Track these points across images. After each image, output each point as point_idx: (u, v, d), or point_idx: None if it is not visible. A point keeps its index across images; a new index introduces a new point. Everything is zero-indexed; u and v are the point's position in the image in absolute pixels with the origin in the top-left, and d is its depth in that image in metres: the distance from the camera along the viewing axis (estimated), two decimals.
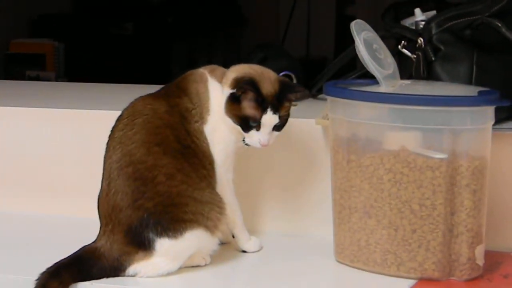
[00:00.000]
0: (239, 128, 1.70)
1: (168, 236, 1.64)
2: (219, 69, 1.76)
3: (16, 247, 1.86)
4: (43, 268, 1.59)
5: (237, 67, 1.75)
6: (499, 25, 1.78)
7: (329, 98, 1.71)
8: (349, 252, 1.69)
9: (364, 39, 1.70)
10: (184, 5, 5.07)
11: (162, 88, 1.76)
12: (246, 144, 1.72)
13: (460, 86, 1.74)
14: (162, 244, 1.64)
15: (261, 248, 1.79)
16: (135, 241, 1.65)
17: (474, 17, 1.82)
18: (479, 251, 1.63)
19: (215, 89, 1.74)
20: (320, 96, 2.02)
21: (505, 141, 1.74)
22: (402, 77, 1.74)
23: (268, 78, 1.70)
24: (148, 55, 4.74)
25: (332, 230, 1.73)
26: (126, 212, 1.65)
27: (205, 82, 1.74)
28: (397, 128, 1.63)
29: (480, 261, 1.64)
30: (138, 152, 1.66)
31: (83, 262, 1.64)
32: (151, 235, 1.64)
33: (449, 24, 1.83)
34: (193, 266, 1.69)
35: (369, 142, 1.65)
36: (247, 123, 1.69)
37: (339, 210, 1.70)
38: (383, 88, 1.68)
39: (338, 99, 1.68)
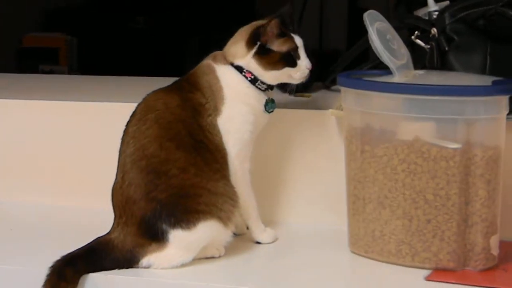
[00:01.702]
0: (285, 70, 1.73)
1: (182, 227, 1.64)
2: (218, 53, 1.78)
3: (29, 238, 1.87)
4: (53, 259, 1.60)
5: (233, 39, 1.78)
6: None
7: (342, 89, 1.71)
8: (364, 243, 1.69)
9: (377, 30, 1.71)
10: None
11: (174, 82, 1.77)
12: (270, 111, 1.75)
13: (474, 76, 1.75)
14: (176, 235, 1.65)
15: (276, 239, 1.80)
16: (149, 233, 1.66)
17: (488, 7, 1.82)
18: (494, 241, 1.64)
19: (225, 74, 1.75)
20: (334, 87, 2.02)
21: None
22: (416, 67, 1.74)
23: (262, 22, 1.75)
24: (160, 48, 4.76)
25: (346, 221, 1.73)
26: (139, 204, 1.66)
27: (213, 72, 1.75)
28: (411, 118, 1.64)
29: (495, 251, 1.64)
30: (151, 147, 1.67)
31: (97, 253, 1.65)
32: (164, 226, 1.65)
33: (462, 14, 1.83)
34: (207, 258, 1.69)
35: (383, 132, 1.66)
36: (290, 58, 1.73)
37: (353, 200, 1.70)
38: (397, 78, 1.69)
39: (352, 89, 1.69)
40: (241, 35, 1.77)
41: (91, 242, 1.66)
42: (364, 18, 1.73)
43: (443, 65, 1.81)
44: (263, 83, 1.75)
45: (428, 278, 1.60)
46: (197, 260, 1.68)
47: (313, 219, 1.88)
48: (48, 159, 2.08)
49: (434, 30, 1.83)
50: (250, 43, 1.74)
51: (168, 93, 1.73)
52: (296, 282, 1.64)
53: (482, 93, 1.61)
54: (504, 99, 1.62)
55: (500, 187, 1.64)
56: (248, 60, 1.74)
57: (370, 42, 1.70)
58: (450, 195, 1.61)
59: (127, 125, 1.71)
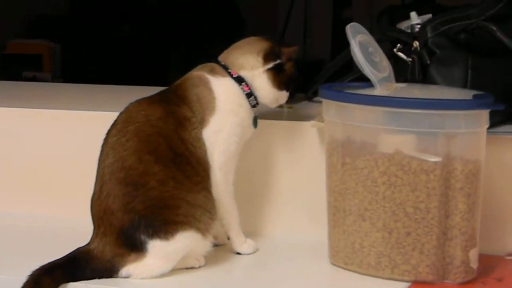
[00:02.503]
0: (281, 93, 1.77)
1: (160, 237, 1.64)
2: (215, 65, 1.78)
3: (10, 247, 1.86)
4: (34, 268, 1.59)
5: (239, 50, 1.79)
6: (494, 29, 1.78)
7: (324, 100, 1.71)
8: (344, 255, 1.69)
9: (360, 42, 1.71)
10: (182, 7, 5.08)
11: (160, 93, 1.76)
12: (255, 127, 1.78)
13: (455, 90, 1.75)
14: (154, 246, 1.64)
15: (256, 250, 1.80)
16: (127, 243, 1.65)
17: (469, 21, 1.82)
18: (473, 254, 1.64)
19: (221, 85, 1.75)
20: (316, 98, 2.02)
21: (500, 144, 1.75)
22: (398, 80, 1.74)
23: (267, 42, 1.78)
24: (144, 56, 4.75)
25: (326, 233, 1.73)
26: (117, 215, 1.66)
27: (206, 83, 1.75)
28: (392, 131, 1.64)
29: (474, 264, 1.65)
30: (130, 159, 1.67)
31: (77, 263, 1.65)
32: (142, 237, 1.64)
33: (444, 27, 1.83)
34: (187, 268, 1.69)
35: (363, 145, 1.66)
36: (290, 84, 1.78)
37: (334, 212, 1.70)
38: (378, 91, 1.69)
39: (333, 101, 1.69)
40: (252, 47, 1.78)
41: (71, 252, 1.66)
42: (346, 31, 1.73)
43: (425, 78, 1.82)
44: (255, 98, 1.76)
45: None
46: (177, 270, 1.67)
47: (294, 231, 1.88)
48: (30, 167, 2.07)
49: (416, 43, 1.83)
50: (269, 58, 1.75)
51: (151, 105, 1.72)
52: None
53: (463, 107, 1.62)
54: (485, 113, 1.63)
55: (480, 200, 1.64)
56: (258, 74, 1.76)
57: (352, 54, 1.70)
58: (430, 208, 1.61)
59: (107, 135, 1.71)
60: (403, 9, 1.96)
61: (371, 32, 1.76)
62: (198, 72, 1.77)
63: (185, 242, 1.66)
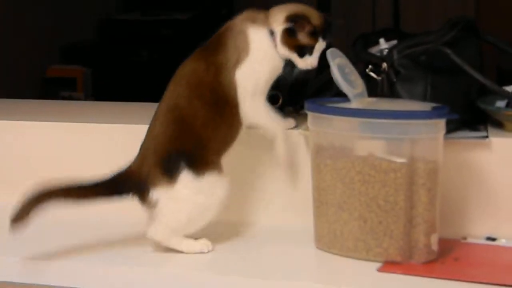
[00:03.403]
0: (294, 55, 1.71)
1: (193, 171, 1.64)
2: (260, 14, 1.74)
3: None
4: None
5: (281, 7, 1.74)
6: (449, 52, 1.77)
7: (309, 113, 1.72)
8: (327, 240, 1.69)
9: (338, 64, 1.71)
10: (192, 35, 5.08)
11: (204, 46, 1.75)
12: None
13: (417, 103, 1.75)
14: (186, 177, 1.64)
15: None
16: (165, 168, 1.64)
17: (428, 46, 1.81)
18: (434, 238, 1.64)
19: (258, 34, 1.72)
20: (302, 111, 2.01)
21: (454, 147, 1.74)
22: (370, 95, 1.74)
23: (314, 12, 1.72)
24: (162, 77, 4.74)
25: (312, 222, 1.73)
26: (163, 143, 1.66)
27: (244, 31, 1.72)
28: (366, 138, 1.64)
29: (435, 247, 1.65)
30: (182, 102, 1.68)
31: (115, 178, 1.66)
32: (180, 166, 1.64)
33: (407, 51, 1.82)
34: (196, 253, 1.68)
35: (342, 149, 1.66)
36: (302, 51, 1.71)
37: (318, 205, 1.71)
38: (354, 104, 1.69)
39: (317, 114, 1.69)
40: (290, 7, 1.73)
41: (114, 172, 1.67)
42: (327, 55, 1.74)
43: (392, 94, 1.81)
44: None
45: (380, 270, 1.60)
46: (177, 256, 1.67)
47: (285, 221, 1.87)
48: (66, 174, 2.05)
49: (384, 65, 1.83)
50: (287, 20, 1.71)
51: (197, 60, 1.72)
52: (269, 271, 1.63)
53: (424, 117, 1.62)
54: (442, 122, 1.63)
55: (439, 194, 1.64)
56: (277, 31, 1.72)
57: (332, 74, 1.71)
58: (398, 201, 1.61)
59: (168, 85, 1.72)
60: (373, 36, 1.95)
61: (347, 55, 1.77)
62: (240, 21, 1.74)
63: (211, 181, 1.66)
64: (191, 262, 1.67)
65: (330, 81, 1.74)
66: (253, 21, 1.73)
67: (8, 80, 4.30)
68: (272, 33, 1.73)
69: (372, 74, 1.84)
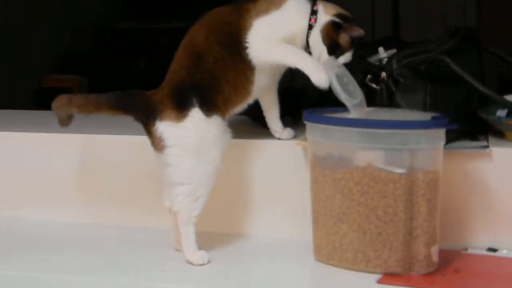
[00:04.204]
0: (323, 48, 1.74)
1: (203, 110, 1.65)
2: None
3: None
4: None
5: (334, 4, 1.78)
6: (448, 61, 1.78)
7: (307, 123, 1.72)
8: (326, 252, 1.69)
9: (336, 74, 1.72)
10: None
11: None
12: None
13: (416, 112, 1.75)
14: (196, 113, 1.65)
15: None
16: (177, 98, 1.66)
17: (428, 55, 1.81)
18: (434, 250, 1.64)
19: (298, 1, 1.75)
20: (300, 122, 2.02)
21: (454, 157, 1.74)
22: (369, 105, 1.74)
23: (359, 27, 1.76)
24: (156, 86, 4.73)
25: (310, 234, 1.73)
26: (179, 73, 1.69)
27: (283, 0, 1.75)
28: (364, 148, 1.64)
29: (435, 258, 1.65)
30: (199, 37, 1.71)
31: (131, 93, 1.70)
32: (193, 101, 1.65)
33: (407, 60, 1.82)
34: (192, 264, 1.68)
35: (341, 159, 1.66)
36: (334, 49, 1.74)
37: (317, 216, 1.71)
38: (353, 114, 1.69)
39: (315, 124, 1.69)
40: (341, 8, 1.77)
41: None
42: (325, 64, 1.75)
43: (391, 103, 1.81)
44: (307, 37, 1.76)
45: (379, 281, 1.60)
46: (171, 266, 1.66)
47: (284, 232, 1.87)
48: (63, 183, 2.06)
49: (383, 74, 1.83)
50: (338, 16, 1.75)
51: (229, 6, 1.76)
52: (268, 282, 1.64)
53: (423, 127, 1.62)
54: (442, 131, 1.63)
55: (439, 204, 1.64)
56: (323, 20, 1.75)
57: (330, 84, 1.71)
58: (397, 212, 1.61)
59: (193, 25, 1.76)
60: (373, 45, 1.95)
61: (346, 64, 1.77)
62: None
63: (215, 124, 1.67)
64: (187, 274, 1.67)
65: (329, 90, 1.74)
66: None
67: (3, 90, 4.30)
68: (314, 12, 1.75)
69: (371, 83, 1.84)
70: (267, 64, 1.74)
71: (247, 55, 1.72)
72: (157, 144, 1.67)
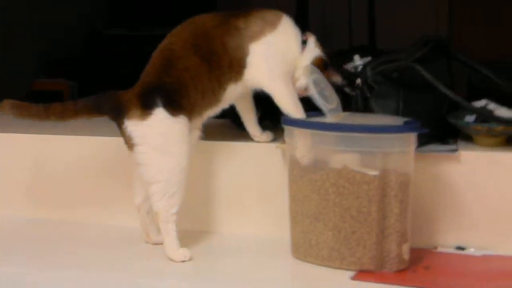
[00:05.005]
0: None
1: (167, 110, 1.65)
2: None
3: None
4: None
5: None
6: (419, 69, 1.79)
7: (286, 127, 1.72)
8: (303, 250, 1.69)
9: (314, 80, 1.73)
10: None
11: (235, 10, 1.77)
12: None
13: (390, 117, 1.76)
14: (160, 112, 1.65)
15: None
16: (143, 98, 1.65)
17: (400, 62, 1.83)
18: (405, 248, 1.65)
19: (290, 25, 1.75)
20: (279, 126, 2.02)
21: (425, 160, 1.75)
22: (344, 110, 1.75)
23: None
24: None
25: (289, 232, 1.73)
26: (150, 75, 1.68)
27: (279, 15, 1.75)
28: (340, 151, 1.65)
29: (406, 256, 1.66)
30: (177, 44, 1.70)
31: (101, 97, 1.68)
32: (157, 100, 1.64)
33: (381, 68, 1.83)
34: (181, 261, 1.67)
35: (317, 162, 1.66)
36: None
37: (294, 215, 1.71)
38: (329, 119, 1.70)
39: (293, 127, 1.70)
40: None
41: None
42: (303, 71, 1.75)
43: (366, 109, 1.82)
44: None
45: (353, 278, 1.61)
46: (147, 263, 1.66)
47: (263, 231, 1.87)
48: (57, 182, 2.05)
49: (358, 81, 1.84)
50: (328, 57, 1.78)
51: (215, 16, 1.75)
52: (248, 278, 1.64)
53: (396, 131, 1.63)
54: (413, 136, 1.64)
55: (410, 205, 1.65)
56: (315, 52, 1.78)
57: (308, 90, 1.72)
58: (371, 212, 1.62)
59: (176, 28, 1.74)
60: (349, 53, 1.96)
61: (332, 61, 1.79)
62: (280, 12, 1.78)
63: (181, 124, 1.66)
64: (169, 271, 1.67)
65: (307, 96, 1.75)
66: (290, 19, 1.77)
67: None
68: (304, 42, 1.77)
69: (346, 89, 1.85)
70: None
71: (230, 72, 1.71)
72: (128, 142, 1.67)
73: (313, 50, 1.78)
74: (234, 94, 1.76)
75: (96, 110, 1.68)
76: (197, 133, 1.73)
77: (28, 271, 1.68)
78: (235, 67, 1.72)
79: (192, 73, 1.68)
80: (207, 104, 1.72)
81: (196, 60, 1.69)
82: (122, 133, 1.67)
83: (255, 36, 1.72)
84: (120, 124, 1.67)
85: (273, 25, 1.74)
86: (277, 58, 1.74)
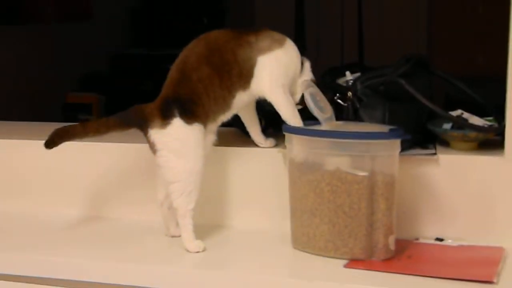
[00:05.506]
0: (299, 91, 1.74)
1: (183, 119, 1.64)
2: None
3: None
4: None
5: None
6: (403, 82, 1.78)
7: (286, 134, 1.72)
8: (302, 241, 1.69)
9: (310, 93, 1.72)
10: None
11: (246, 28, 1.75)
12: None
13: (377, 125, 1.75)
14: (177, 121, 1.64)
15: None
16: (163, 110, 1.64)
17: (386, 77, 1.82)
18: (391, 239, 1.65)
19: (293, 47, 1.73)
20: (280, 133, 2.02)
21: (408, 163, 1.75)
22: (337, 119, 1.75)
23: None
24: None
25: (289, 226, 1.73)
26: (168, 88, 1.66)
27: (283, 37, 1.73)
28: (334, 155, 1.64)
29: (392, 247, 1.65)
30: (191, 57, 1.68)
31: (128, 112, 1.68)
32: (175, 112, 1.63)
33: (369, 82, 1.83)
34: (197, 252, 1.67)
35: (314, 164, 1.66)
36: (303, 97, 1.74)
37: (294, 211, 1.71)
38: (324, 127, 1.70)
39: (293, 134, 1.70)
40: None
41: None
42: (302, 85, 1.75)
43: (356, 118, 1.82)
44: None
45: (346, 266, 1.60)
46: (157, 254, 1.66)
47: (268, 225, 1.86)
48: (83, 189, 2.05)
49: (349, 93, 1.83)
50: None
51: (227, 32, 1.72)
52: (254, 265, 1.64)
53: (382, 137, 1.63)
54: (398, 141, 1.64)
55: (395, 202, 1.65)
56: (309, 76, 1.77)
57: (305, 101, 1.72)
58: (361, 208, 1.61)
59: (190, 43, 1.72)
60: (341, 69, 1.96)
61: (318, 85, 1.77)
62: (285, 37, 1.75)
63: (196, 131, 1.65)
64: (186, 260, 1.67)
65: (304, 107, 1.75)
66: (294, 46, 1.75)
67: (33, 105, 4.29)
68: (301, 63, 1.75)
69: (339, 101, 1.85)
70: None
71: (239, 81, 1.70)
72: (152, 148, 1.67)
73: (309, 73, 1.77)
74: (242, 101, 1.75)
75: (125, 124, 1.68)
76: (213, 137, 1.73)
77: (86, 262, 1.68)
78: (244, 77, 1.71)
79: (205, 83, 1.67)
80: (219, 110, 1.71)
81: (208, 71, 1.68)
82: (147, 140, 1.67)
83: (264, 50, 1.71)
84: (145, 133, 1.67)
85: (280, 43, 1.73)
86: (280, 71, 1.73)
